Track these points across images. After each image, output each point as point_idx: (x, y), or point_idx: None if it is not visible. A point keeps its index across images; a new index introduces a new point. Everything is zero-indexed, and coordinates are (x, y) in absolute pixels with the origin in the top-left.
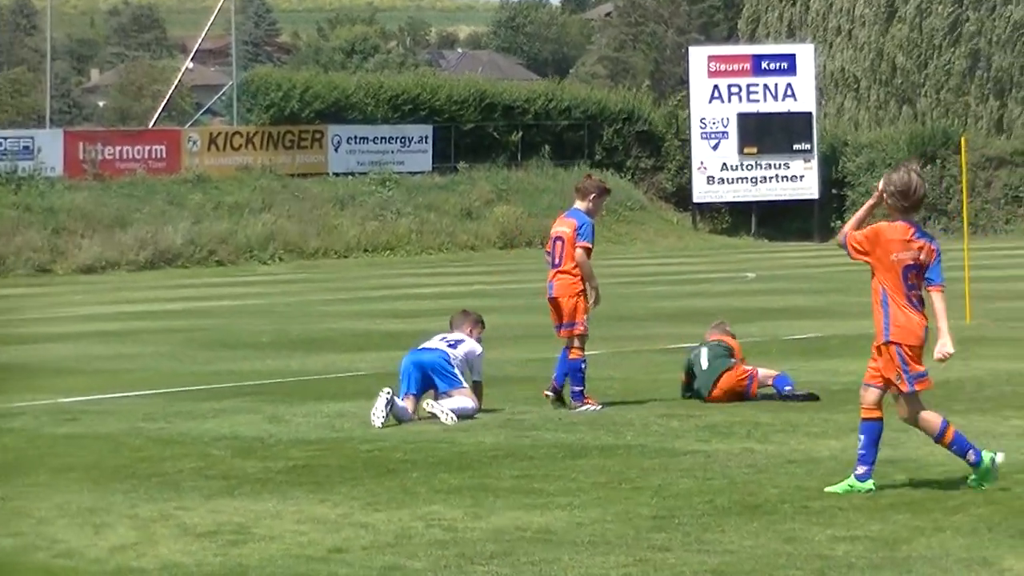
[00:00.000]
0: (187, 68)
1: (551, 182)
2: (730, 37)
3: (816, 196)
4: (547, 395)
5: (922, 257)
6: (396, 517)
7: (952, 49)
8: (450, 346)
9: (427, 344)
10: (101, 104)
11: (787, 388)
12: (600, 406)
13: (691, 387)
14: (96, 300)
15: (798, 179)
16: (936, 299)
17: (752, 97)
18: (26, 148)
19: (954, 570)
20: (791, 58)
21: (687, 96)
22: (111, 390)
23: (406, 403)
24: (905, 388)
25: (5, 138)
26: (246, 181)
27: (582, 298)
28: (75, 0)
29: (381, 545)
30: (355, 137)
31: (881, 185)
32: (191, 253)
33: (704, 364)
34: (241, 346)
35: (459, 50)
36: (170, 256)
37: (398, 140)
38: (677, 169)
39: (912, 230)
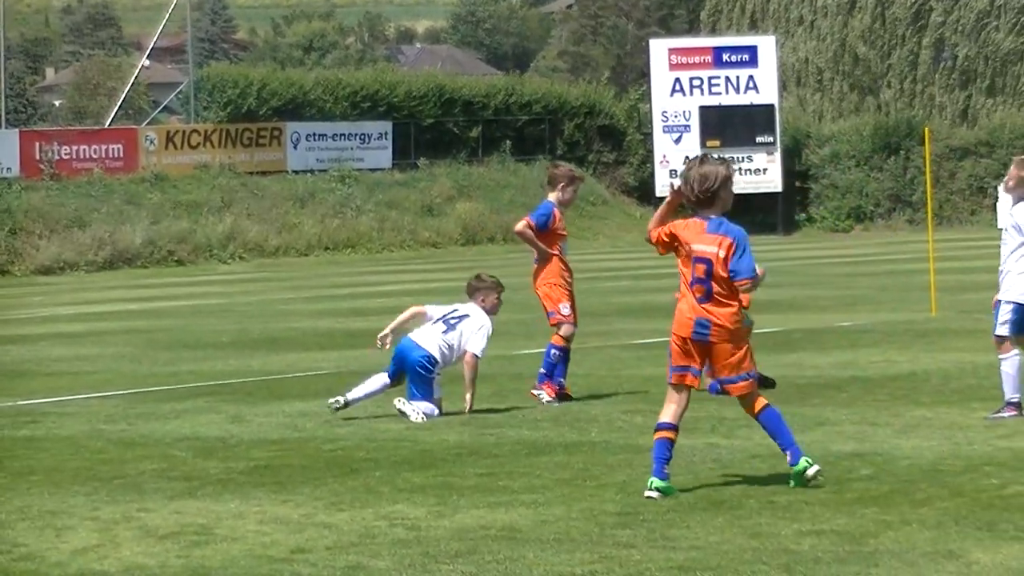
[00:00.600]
0: (143, 66)
1: (512, 177)
2: (691, 29)
3: (779, 189)
4: (535, 394)
5: (720, 252)
6: (359, 517)
7: (916, 39)
8: (448, 329)
9: (430, 324)
10: (57, 103)
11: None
12: (555, 400)
13: None
14: (55, 301)
15: (761, 172)
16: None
17: (714, 90)
18: None
19: (920, 563)
20: (753, 50)
21: (648, 89)
22: (71, 392)
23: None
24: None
25: None
26: (204, 180)
27: (554, 287)
28: None
29: (344, 545)
30: (314, 134)
31: (677, 182)
32: (150, 253)
33: None
34: (202, 346)
35: (418, 45)
36: (129, 256)
37: (357, 137)
38: (639, 163)
39: (705, 224)
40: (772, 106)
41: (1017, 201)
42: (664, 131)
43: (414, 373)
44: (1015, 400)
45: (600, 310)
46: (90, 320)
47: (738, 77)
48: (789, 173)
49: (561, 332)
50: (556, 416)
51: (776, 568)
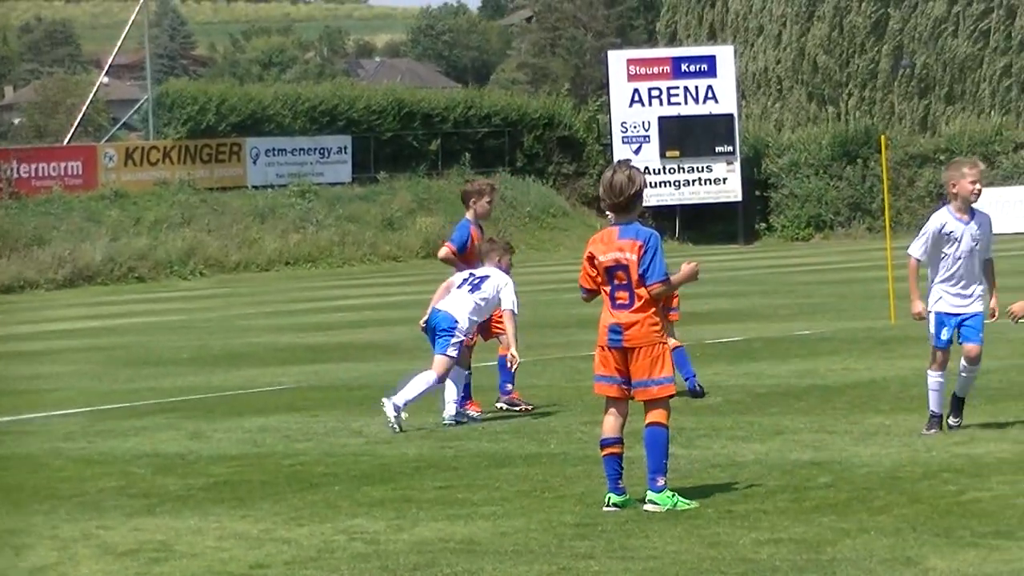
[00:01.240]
0: (102, 83)
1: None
2: (649, 40)
3: (740, 198)
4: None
5: (628, 256)
6: (318, 531)
7: (875, 48)
8: (473, 288)
9: (455, 291)
10: (16, 121)
11: None
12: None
13: None
14: (14, 320)
15: (721, 182)
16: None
17: (673, 100)
18: None
19: (878, 571)
20: (711, 60)
21: (607, 100)
22: (31, 410)
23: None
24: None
25: None
26: (164, 196)
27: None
28: None
29: (303, 560)
30: (273, 149)
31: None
32: (110, 270)
33: None
34: (162, 363)
35: (377, 59)
36: (89, 274)
37: (317, 151)
38: (599, 174)
39: (616, 231)
40: (731, 116)
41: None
42: (623, 142)
43: (436, 332)
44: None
45: (562, 321)
46: (50, 338)
47: (697, 87)
48: (749, 182)
49: (506, 341)
50: (516, 428)
51: None
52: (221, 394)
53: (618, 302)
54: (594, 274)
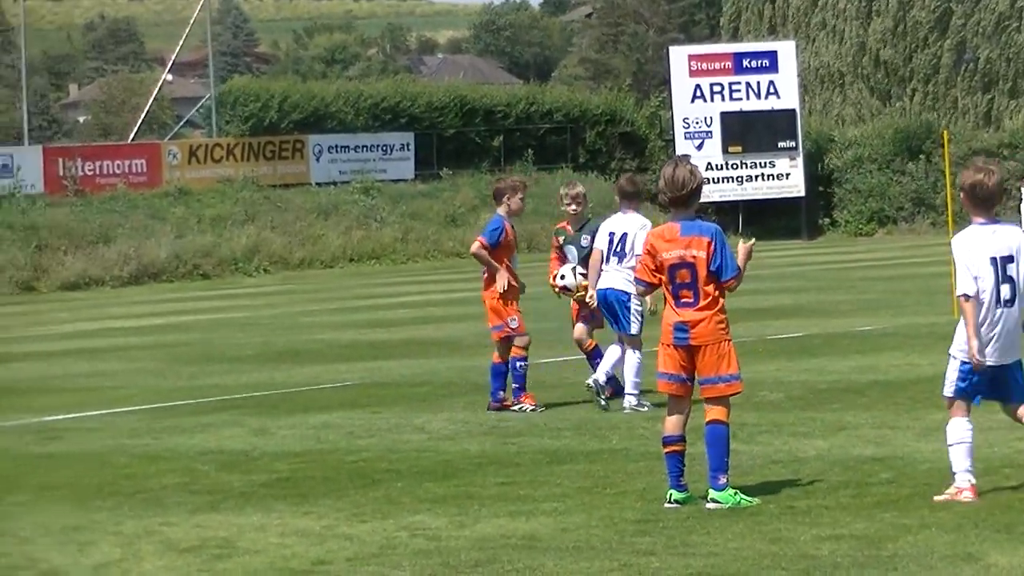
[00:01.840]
0: (165, 80)
1: (534, 186)
2: (711, 35)
3: (802, 194)
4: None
5: (695, 253)
6: (380, 528)
7: (939, 42)
8: (621, 259)
9: (606, 266)
10: (81, 119)
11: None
12: (540, 407)
13: None
14: (80, 317)
15: (784, 177)
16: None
17: (735, 95)
18: (5, 166)
19: (939, 567)
20: (772, 55)
21: (669, 96)
22: (95, 407)
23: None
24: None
25: None
26: (228, 193)
27: (502, 301)
28: (50, 16)
29: (365, 556)
30: (336, 146)
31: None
32: (175, 267)
33: None
34: (226, 359)
35: (439, 55)
36: (154, 271)
37: (379, 148)
38: (661, 170)
39: (678, 227)
40: (794, 111)
41: None
42: (686, 137)
43: (618, 306)
44: None
45: None
46: (115, 335)
47: (759, 83)
48: (812, 178)
49: (519, 343)
50: (577, 425)
51: (795, 573)
52: (284, 391)
53: (682, 300)
54: (653, 267)
